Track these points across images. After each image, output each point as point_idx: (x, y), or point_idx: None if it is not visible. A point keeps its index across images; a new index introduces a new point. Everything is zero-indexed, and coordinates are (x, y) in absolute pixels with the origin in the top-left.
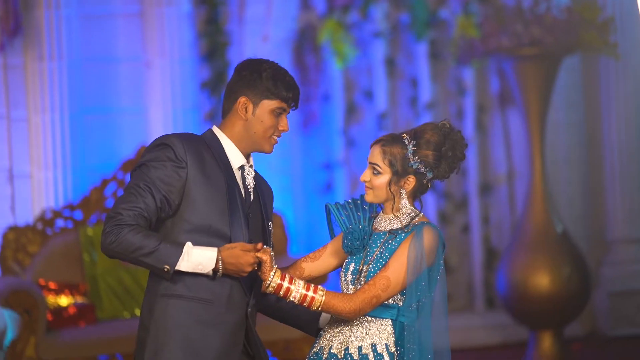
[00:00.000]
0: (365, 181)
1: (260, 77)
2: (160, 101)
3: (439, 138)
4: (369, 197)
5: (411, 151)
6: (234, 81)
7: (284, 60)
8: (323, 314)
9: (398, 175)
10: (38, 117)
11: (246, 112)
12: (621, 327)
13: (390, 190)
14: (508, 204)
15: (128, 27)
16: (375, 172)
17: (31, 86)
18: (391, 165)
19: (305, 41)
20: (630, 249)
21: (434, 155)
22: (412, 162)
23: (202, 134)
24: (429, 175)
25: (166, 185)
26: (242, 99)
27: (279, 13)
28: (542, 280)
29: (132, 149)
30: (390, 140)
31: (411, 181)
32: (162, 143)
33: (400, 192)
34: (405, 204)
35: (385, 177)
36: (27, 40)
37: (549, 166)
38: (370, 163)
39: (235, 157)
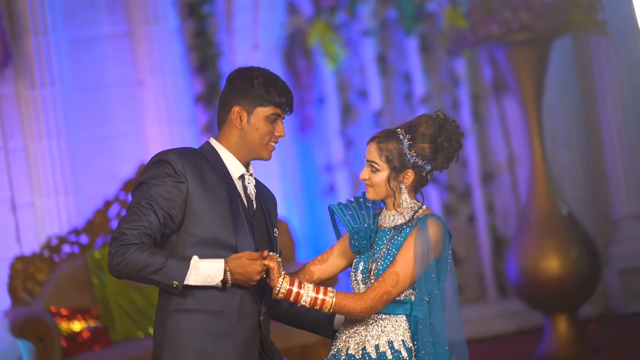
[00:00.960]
0: (364, 179)
1: (252, 85)
2: (156, 118)
3: (433, 130)
4: (370, 195)
5: (407, 145)
6: (226, 91)
7: (276, 66)
8: (337, 316)
9: (396, 170)
10: (35, 144)
11: (241, 121)
12: (634, 304)
13: (390, 186)
14: (511, 190)
15: (117, 47)
16: (373, 169)
17: (26, 114)
18: (388, 161)
19: (295, 46)
20: (637, 225)
21: (430, 147)
22: (409, 156)
23: (200, 147)
24: (427, 168)
25: (167, 201)
26: (236, 109)
27: (267, 20)
28: (552, 264)
29: (131, 168)
30: (386, 137)
31: (410, 175)
32: (159, 160)
33: (400, 187)
34: (406, 198)
35: (383, 174)
36: (18, 69)
37: (549, 149)
38: (368, 161)
39: (235, 167)
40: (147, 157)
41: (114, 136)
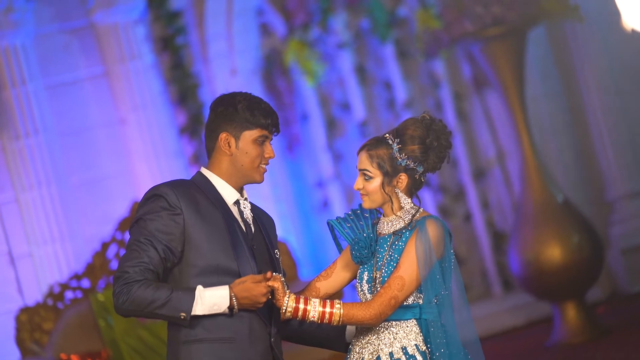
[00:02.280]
0: (359, 189)
1: (236, 110)
2: (142, 155)
3: (421, 131)
4: (366, 204)
5: (397, 149)
6: (211, 119)
7: (256, 89)
8: (348, 328)
9: (389, 175)
10: (26, 194)
11: (229, 146)
12: None
13: (384, 192)
14: (504, 185)
15: (96, 89)
16: (366, 177)
17: (13, 166)
18: (380, 167)
19: (272, 67)
20: (633, 204)
21: (420, 148)
22: (400, 160)
23: (192, 177)
24: (420, 170)
25: (166, 234)
26: (223, 135)
27: (241, 45)
28: (554, 253)
29: (125, 207)
30: (375, 143)
31: (403, 179)
32: (153, 195)
33: (396, 192)
34: (403, 202)
35: (377, 181)
36: (0, 122)
37: (537, 139)
38: (360, 170)
39: (229, 193)
40: (139, 195)
41: (104, 177)
